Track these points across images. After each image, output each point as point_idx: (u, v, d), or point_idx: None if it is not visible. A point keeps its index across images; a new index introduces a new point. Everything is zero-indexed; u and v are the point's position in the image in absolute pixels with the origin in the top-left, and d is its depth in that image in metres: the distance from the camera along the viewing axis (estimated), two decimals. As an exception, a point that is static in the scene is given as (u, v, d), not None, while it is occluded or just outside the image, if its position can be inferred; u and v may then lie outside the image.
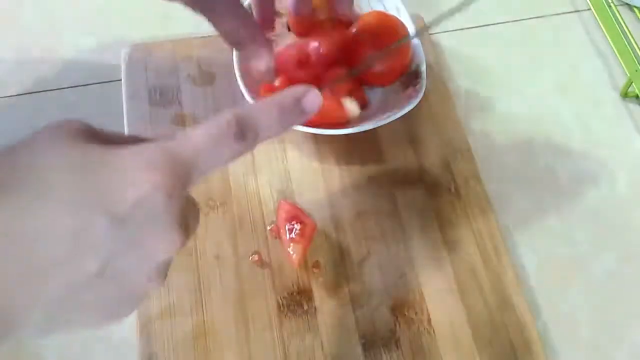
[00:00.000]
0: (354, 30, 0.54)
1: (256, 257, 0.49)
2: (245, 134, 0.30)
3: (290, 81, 0.51)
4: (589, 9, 0.68)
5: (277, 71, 0.51)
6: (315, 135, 0.53)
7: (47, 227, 0.25)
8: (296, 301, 0.47)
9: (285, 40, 0.55)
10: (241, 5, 0.46)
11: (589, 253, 0.54)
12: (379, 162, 0.54)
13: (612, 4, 0.67)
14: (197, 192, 0.51)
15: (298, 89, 0.33)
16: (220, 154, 0.30)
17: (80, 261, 0.25)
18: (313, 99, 0.34)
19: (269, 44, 0.48)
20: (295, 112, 0.33)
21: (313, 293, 0.48)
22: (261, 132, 0.31)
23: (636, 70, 0.62)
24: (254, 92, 0.53)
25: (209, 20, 0.45)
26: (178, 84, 0.57)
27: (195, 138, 0.29)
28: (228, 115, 0.30)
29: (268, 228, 0.50)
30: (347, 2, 0.53)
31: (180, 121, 0.55)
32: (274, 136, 0.32)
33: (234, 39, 0.47)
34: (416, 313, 0.48)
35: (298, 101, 0.33)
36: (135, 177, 0.27)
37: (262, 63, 0.48)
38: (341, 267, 0.49)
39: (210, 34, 0.60)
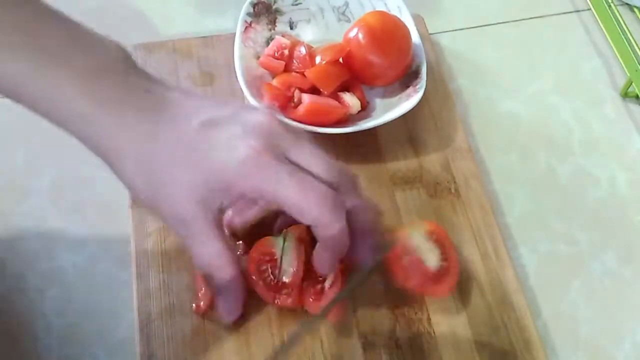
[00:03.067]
0: (355, 30, 0.54)
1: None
2: None
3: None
4: (589, 9, 0.68)
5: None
6: (315, 134, 0.53)
7: None
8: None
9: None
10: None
11: (589, 253, 0.54)
12: (379, 162, 0.54)
13: (612, 4, 0.67)
14: (197, 192, 0.51)
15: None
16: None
17: None
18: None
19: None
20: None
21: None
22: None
23: (636, 70, 0.62)
24: (254, 92, 0.53)
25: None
26: (178, 84, 0.57)
27: None
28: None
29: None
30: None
31: (180, 121, 0.55)
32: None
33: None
34: (416, 313, 0.47)
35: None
36: None
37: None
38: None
39: (210, 34, 0.61)
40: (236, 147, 0.37)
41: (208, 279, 0.42)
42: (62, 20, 0.38)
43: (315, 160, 0.39)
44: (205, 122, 0.38)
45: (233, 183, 0.37)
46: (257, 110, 0.40)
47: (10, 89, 0.37)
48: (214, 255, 0.40)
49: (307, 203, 0.37)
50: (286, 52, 0.56)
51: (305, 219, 0.38)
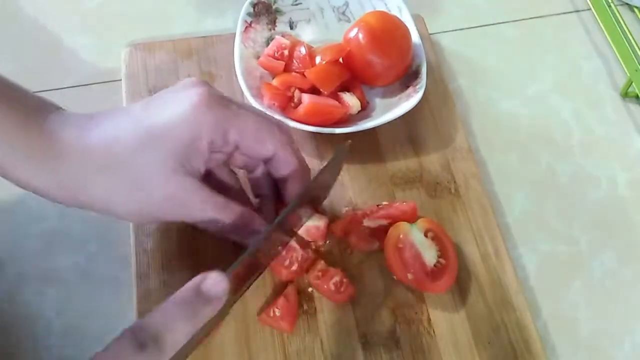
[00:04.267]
0: (355, 30, 0.54)
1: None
2: (144, 344, 0.30)
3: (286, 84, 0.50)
4: (589, 9, 0.68)
5: None
6: (315, 134, 0.53)
7: None
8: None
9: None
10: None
11: (589, 253, 0.54)
12: (379, 162, 0.54)
13: (612, 4, 0.67)
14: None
15: (195, 279, 0.33)
16: None
17: None
18: (214, 283, 0.33)
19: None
20: (199, 302, 0.33)
21: (313, 293, 0.48)
22: (167, 336, 0.31)
23: (636, 70, 0.62)
24: (255, 92, 0.53)
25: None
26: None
27: None
28: (125, 329, 0.31)
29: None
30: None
31: (180, 121, 0.55)
32: (191, 334, 0.32)
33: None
34: (416, 313, 0.48)
35: (198, 291, 0.33)
36: None
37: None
38: (341, 267, 0.49)
39: (210, 34, 0.61)
40: (181, 100, 0.38)
41: (217, 228, 0.43)
42: None
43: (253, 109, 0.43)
44: (144, 104, 0.39)
45: (196, 134, 0.38)
46: (185, 79, 0.42)
47: None
48: (215, 212, 0.40)
49: (266, 132, 0.41)
50: (286, 52, 0.56)
51: (267, 148, 0.41)
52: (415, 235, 0.47)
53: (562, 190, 0.57)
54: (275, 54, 0.56)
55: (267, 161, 0.44)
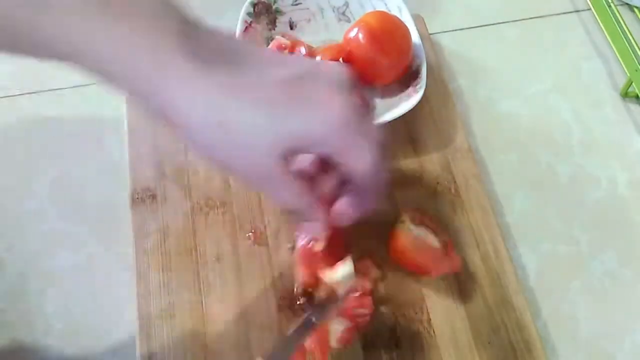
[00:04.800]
0: (355, 30, 0.54)
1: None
2: None
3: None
4: (589, 9, 0.68)
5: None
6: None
7: None
8: (297, 301, 0.47)
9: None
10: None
11: (589, 253, 0.54)
12: (379, 162, 0.54)
13: (612, 4, 0.67)
14: (197, 191, 0.52)
15: None
16: None
17: None
18: None
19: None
20: None
21: (313, 293, 0.48)
22: None
23: (636, 70, 0.62)
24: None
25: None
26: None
27: None
28: None
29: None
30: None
31: (180, 121, 0.55)
32: None
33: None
34: (416, 313, 0.48)
35: None
36: None
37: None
38: (341, 267, 0.49)
39: (210, 34, 0.61)
40: (323, 104, 0.37)
41: (293, 214, 0.42)
42: None
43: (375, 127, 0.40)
44: (287, 78, 0.37)
45: (317, 142, 0.37)
46: (334, 66, 0.40)
47: (69, 50, 0.35)
48: (293, 199, 0.40)
49: (372, 165, 0.39)
50: (286, 52, 0.56)
51: (358, 181, 0.40)
52: (412, 229, 0.48)
53: (562, 190, 0.57)
54: (275, 54, 0.56)
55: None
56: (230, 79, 0.36)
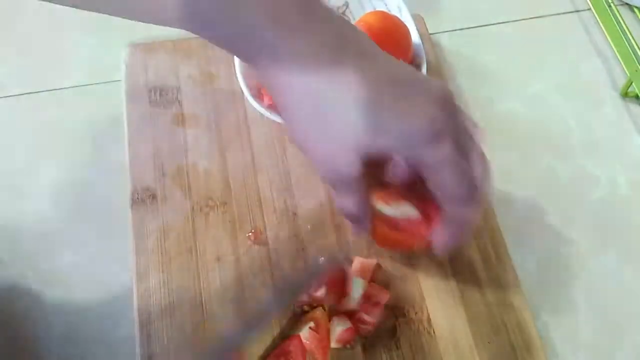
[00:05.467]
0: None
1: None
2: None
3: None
4: (589, 9, 0.68)
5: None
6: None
7: None
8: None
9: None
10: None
11: (589, 253, 0.54)
12: (379, 162, 0.54)
13: (612, 4, 0.67)
14: (197, 191, 0.52)
15: None
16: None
17: None
18: None
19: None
20: None
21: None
22: None
23: (636, 70, 0.62)
24: (254, 92, 0.53)
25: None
26: (178, 84, 0.57)
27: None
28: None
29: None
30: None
31: (180, 121, 0.55)
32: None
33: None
34: (416, 313, 0.48)
35: None
36: None
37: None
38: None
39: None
40: (417, 115, 0.37)
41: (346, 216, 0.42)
42: None
43: (473, 156, 0.40)
44: (392, 80, 0.37)
45: (400, 149, 0.37)
46: (436, 81, 0.39)
47: (203, 21, 0.35)
48: (354, 206, 0.40)
49: (456, 193, 0.38)
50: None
51: (446, 201, 0.40)
52: (383, 210, 0.45)
53: (562, 190, 0.57)
54: (275, 54, 0.56)
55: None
56: (337, 68, 0.36)
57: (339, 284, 0.46)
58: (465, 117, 0.40)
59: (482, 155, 0.40)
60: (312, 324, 0.44)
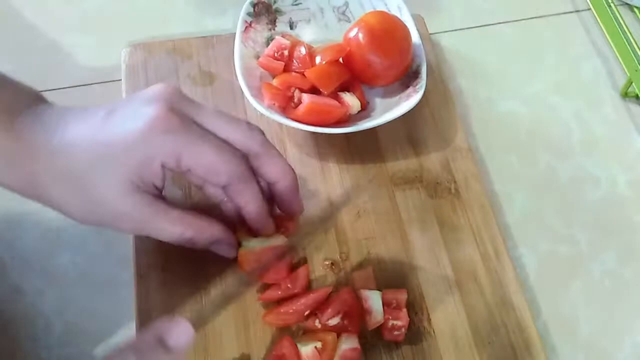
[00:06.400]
0: (355, 30, 0.54)
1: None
2: None
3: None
4: (589, 9, 0.68)
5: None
6: (315, 134, 0.53)
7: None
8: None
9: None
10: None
11: (589, 253, 0.54)
12: (379, 162, 0.54)
13: (612, 4, 0.67)
14: (197, 192, 0.52)
15: (159, 325, 0.31)
16: None
17: None
18: (179, 333, 0.31)
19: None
20: (159, 351, 0.30)
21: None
22: None
23: (636, 70, 0.62)
24: (255, 92, 0.53)
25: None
26: (178, 84, 0.57)
27: None
28: None
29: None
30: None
31: (180, 121, 0.55)
32: None
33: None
34: (416, 313, 0.48)
35: (160, 340, 0.31)
36: None
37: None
38: (341, 267, 0.49)
39: (210, 34, 0.61)
40: (140, 116, 0.38)
41: (191, 245, 0.42)
42: None
43: (222, 123, 0.40)
44: (106, 113, 0.39)
45: (148, 156, 0.38)
46: (154, 86, 0.40)
47: None
48: (170, 225, 0.40)
49: (222, 164, 0.39)
50: (286, 52, 0.56)
51: (220, 179, 0.40)
52: (251, 246, 0.46)
53: (562, 190, 0.57)
54: (275, 54, 0.56)
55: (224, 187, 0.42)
56: (61, 139, 0.38)
57: (352, 306, 0.45)
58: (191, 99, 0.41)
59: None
60: (319, 345, 0.43)
